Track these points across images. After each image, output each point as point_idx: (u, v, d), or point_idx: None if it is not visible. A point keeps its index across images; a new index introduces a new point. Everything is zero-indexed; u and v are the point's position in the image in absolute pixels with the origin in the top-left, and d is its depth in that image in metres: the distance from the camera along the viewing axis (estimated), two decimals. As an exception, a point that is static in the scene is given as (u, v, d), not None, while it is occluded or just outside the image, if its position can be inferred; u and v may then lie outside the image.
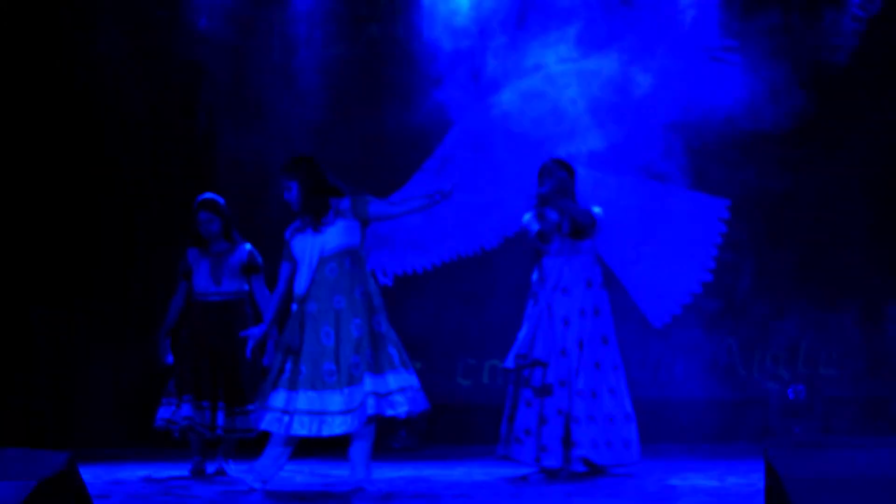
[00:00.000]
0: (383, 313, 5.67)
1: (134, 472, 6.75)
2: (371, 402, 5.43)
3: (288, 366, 5.56)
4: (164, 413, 6.67)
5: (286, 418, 5.50)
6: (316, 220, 5.55)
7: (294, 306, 5.69)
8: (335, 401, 5.46)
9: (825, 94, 8.49)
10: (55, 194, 8.71)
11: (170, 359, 6.78)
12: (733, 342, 8.52)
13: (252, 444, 7.31)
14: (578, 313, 6.27)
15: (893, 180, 8.57)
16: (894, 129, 8.53)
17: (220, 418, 6.61)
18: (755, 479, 5.58)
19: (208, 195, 6.79)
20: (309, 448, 7.85)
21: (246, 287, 6.75)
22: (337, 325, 5.52)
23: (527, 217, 6.41)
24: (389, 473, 6.50)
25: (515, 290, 7.59)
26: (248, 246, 6.76)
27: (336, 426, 5.45)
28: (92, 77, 8.60)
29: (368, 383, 5.45)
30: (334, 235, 5.58)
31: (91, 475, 6.00)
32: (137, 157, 8.78)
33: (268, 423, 5.57)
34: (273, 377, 5.61)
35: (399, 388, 5.52)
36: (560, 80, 8.42)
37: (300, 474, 6.60)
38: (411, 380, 5.60)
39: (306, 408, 5.48)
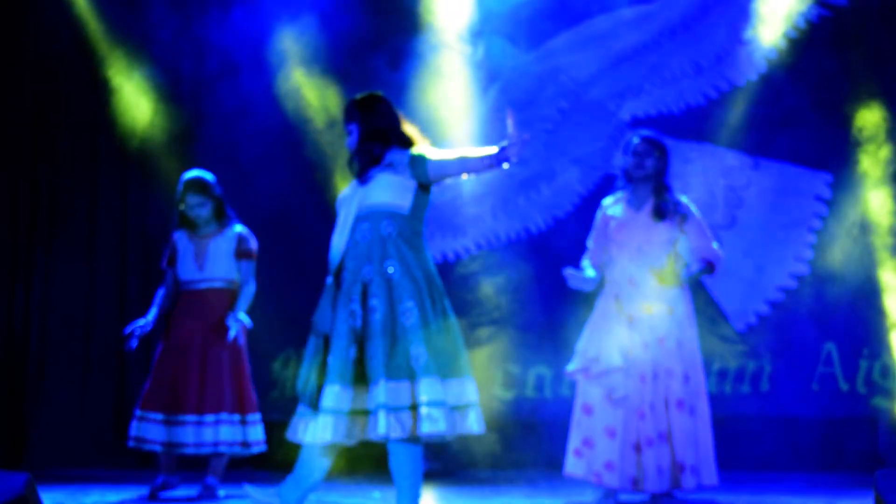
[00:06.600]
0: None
1: (103, 497, 6.32)
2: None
3: None
4: (136, 430, 6.36)
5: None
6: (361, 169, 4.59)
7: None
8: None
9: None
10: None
11: (133, 343, 6.37)
12: (833, 348, 7.70)
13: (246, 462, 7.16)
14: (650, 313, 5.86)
15: None
16: None
17: (207, 433, 6.28)
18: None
19: (196, 174, 6.46)
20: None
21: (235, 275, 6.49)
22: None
23: (609, 201, 6.00)
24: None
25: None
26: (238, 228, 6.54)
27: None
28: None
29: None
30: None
31: (51, 500, 5.89)
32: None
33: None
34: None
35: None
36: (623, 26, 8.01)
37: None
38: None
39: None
